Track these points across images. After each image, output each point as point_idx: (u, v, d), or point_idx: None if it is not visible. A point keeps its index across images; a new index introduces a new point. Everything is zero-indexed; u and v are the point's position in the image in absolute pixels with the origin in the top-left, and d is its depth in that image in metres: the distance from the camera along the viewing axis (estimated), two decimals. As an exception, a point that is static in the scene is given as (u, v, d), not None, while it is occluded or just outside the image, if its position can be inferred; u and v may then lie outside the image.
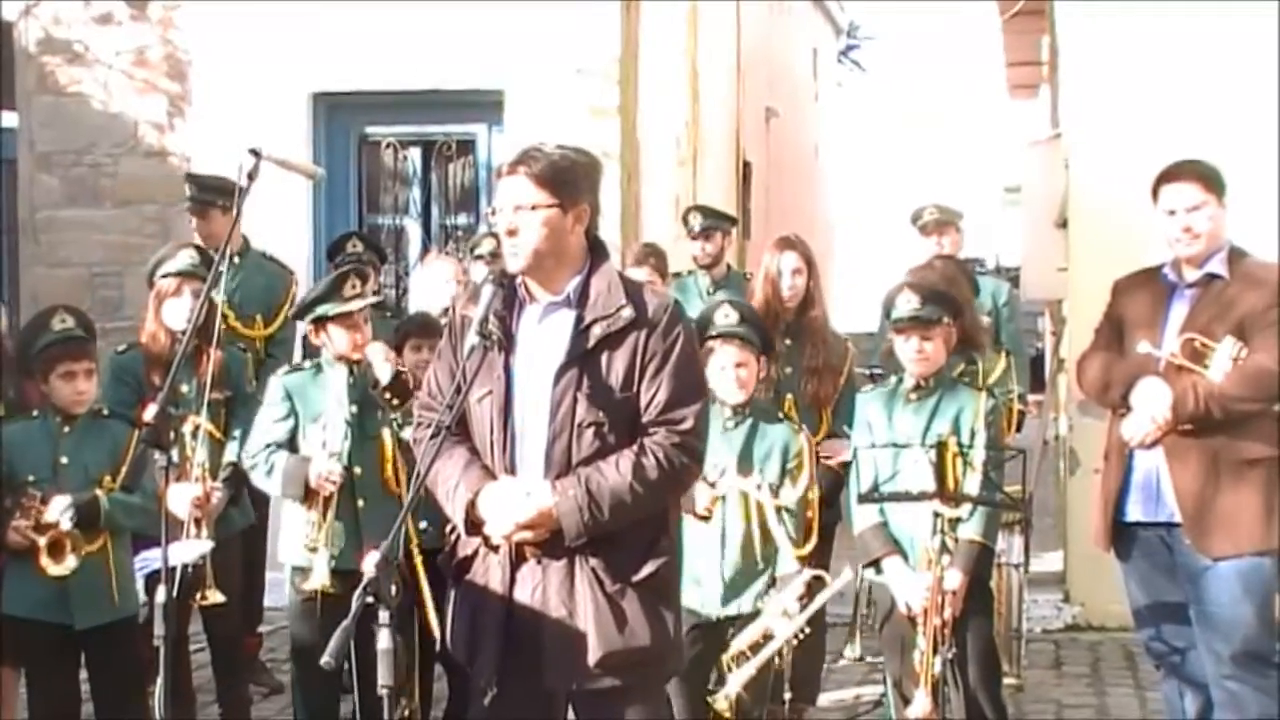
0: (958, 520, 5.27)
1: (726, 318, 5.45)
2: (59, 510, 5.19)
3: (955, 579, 5.23)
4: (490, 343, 3.93)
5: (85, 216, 9.48)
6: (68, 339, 5.47)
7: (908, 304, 5.48)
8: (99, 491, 5.30)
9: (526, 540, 3.92)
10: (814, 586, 5.29)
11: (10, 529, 5.20)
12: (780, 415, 5.62)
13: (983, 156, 29.83)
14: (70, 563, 5.18)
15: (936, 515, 5.17)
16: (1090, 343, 5.45)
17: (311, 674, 5.36)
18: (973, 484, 5.27)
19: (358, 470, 5.47)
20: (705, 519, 5.25)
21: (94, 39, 9.47)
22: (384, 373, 5.61)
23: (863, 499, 5.39)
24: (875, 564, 5.45)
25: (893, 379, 5.62)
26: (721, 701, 5.16)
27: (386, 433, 5.53)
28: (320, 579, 5.37)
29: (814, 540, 5.48)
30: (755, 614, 5.25)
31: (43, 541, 5.15)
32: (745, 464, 5.31)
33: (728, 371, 5.36)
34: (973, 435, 5.35)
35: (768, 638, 5.19)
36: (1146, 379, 5.11)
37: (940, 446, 5.22)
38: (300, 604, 5.50)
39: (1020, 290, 9.72)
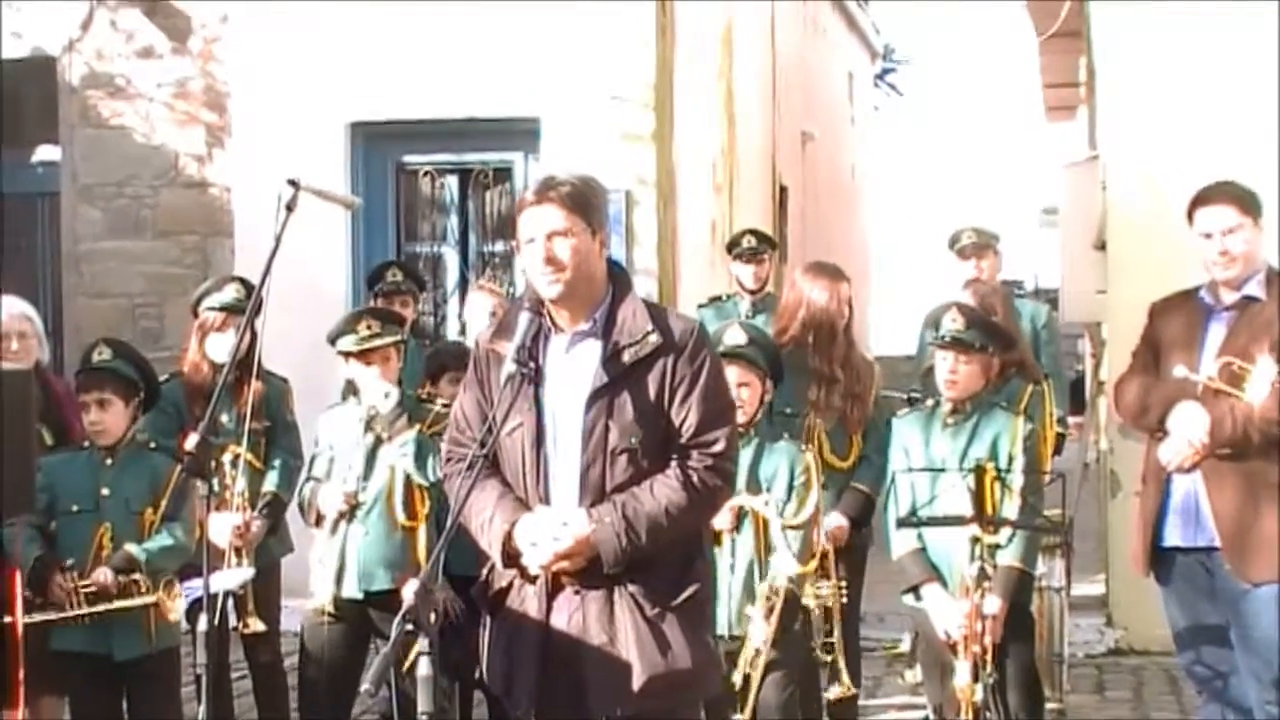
0: (996, 546, 5.25)
1: (735, 338, 5.43)
2: (100, 578, 5.28)
3: (994, 605, 5.20)
4: (528, 370, 3.94)
5: (126, 248, 9.59)
6: (82, 371, 5.59)
7: (951, 324, 5.47)
8: (130, 548, 5.34)
9: (565, 570, 3.93)
10: (783, 594, 5.23)
11: (55, 587, 5.26)
12: (785, 435, 5.59)
13: (1020, 178, 29.88)
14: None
15: (975, 541, 5.15)
16: (1128, 366, 5.43)
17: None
18: (1011, 509, 5.26)
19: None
20: (718, 540, 5.24)
21: (135, 72, 9.60)
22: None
23: (901, 523, 5.37)
24: (914, 590, 5.43)
25: (929, 402, 5.61)
26: None
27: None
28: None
29: (816, 560, 5.47)
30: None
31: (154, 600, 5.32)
32: (753, 484, 5.30)
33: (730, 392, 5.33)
34: (1010, 459, 5.33)
35: (756, 657, 5.17)
36: (1184, 403, 5.08)
37: (978, 471, 5.20)
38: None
39: (1059, 312, 9.68)
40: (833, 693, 5.83)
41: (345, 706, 5.72)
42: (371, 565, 5.53)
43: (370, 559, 5.53)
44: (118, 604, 5.28)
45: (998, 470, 5.27)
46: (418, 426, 5.55)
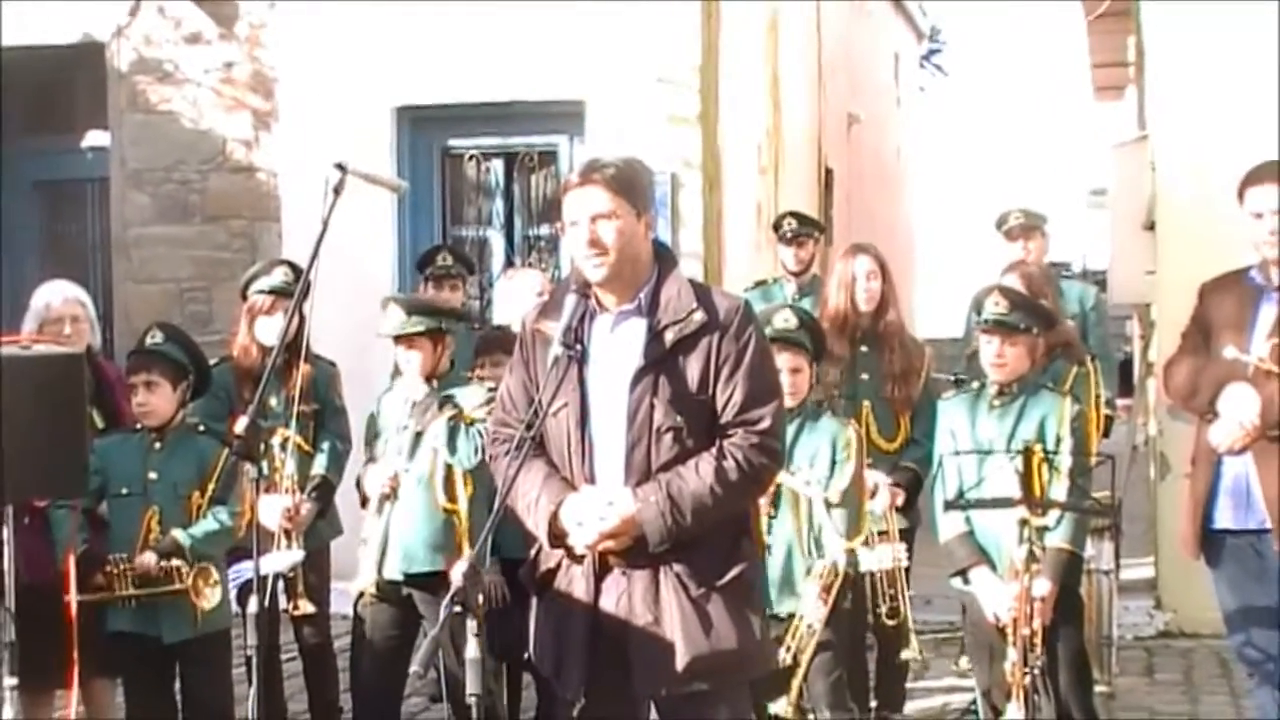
0: (1044, 528, 5.22)
1: (786, 321, 5.42)
2: (144, 561, 5.32)
3: (1044, 587, 5.18)
4: (574, 352, 3.95)
5: (174, 233, 9.66)
6: (131, 353, 5.64)
7: (994, 307, 5.45)
8: (177, 533, 5.38)
9: (610, 549, 3.94)
10: (841, 573, 5.23)
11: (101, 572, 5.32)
12: (829, 412, 5.59)
13: (1068, 159, 29.67)
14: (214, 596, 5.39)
15: (1023, 523, 5.13)
16: (1177, 347, 5.39)
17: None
18: (1059, 490, 5.24)
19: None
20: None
21: (183, 58, 9.65)
22: None
23: (948, 506, 5.36)
24: (962, 573, 5.41)
25: (975, 384, 5.59)
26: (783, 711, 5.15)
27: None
28: None
29: (864, 532, 5.46)
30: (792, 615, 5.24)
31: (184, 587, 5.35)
32: (791, 463, 5.29)
33: (782, 376, 5.33)
34: (1058, 441, 5.31)
35: (809, 635, 5.17)
36: (1234, 384, 5.04)
37: (1026, 453, 5.18)
38: None
39: (1108, 294, 9.62)
40: (904, 655, 5.83)
41: (396, 687, 5.75)
42: (413, 547, 5.56)
43: (412, 541, 5.56)
44: (155, 589, 5.32)
45: (1045, 452, 5.25)
46: (449, 412, 5.57)
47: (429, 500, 5.59)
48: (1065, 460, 5.27)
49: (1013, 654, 5.13)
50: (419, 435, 5.62)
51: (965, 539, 5.39)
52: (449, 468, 5.58)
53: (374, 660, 5.66)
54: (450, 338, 5.75)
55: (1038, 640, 5.14)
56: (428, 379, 5.64)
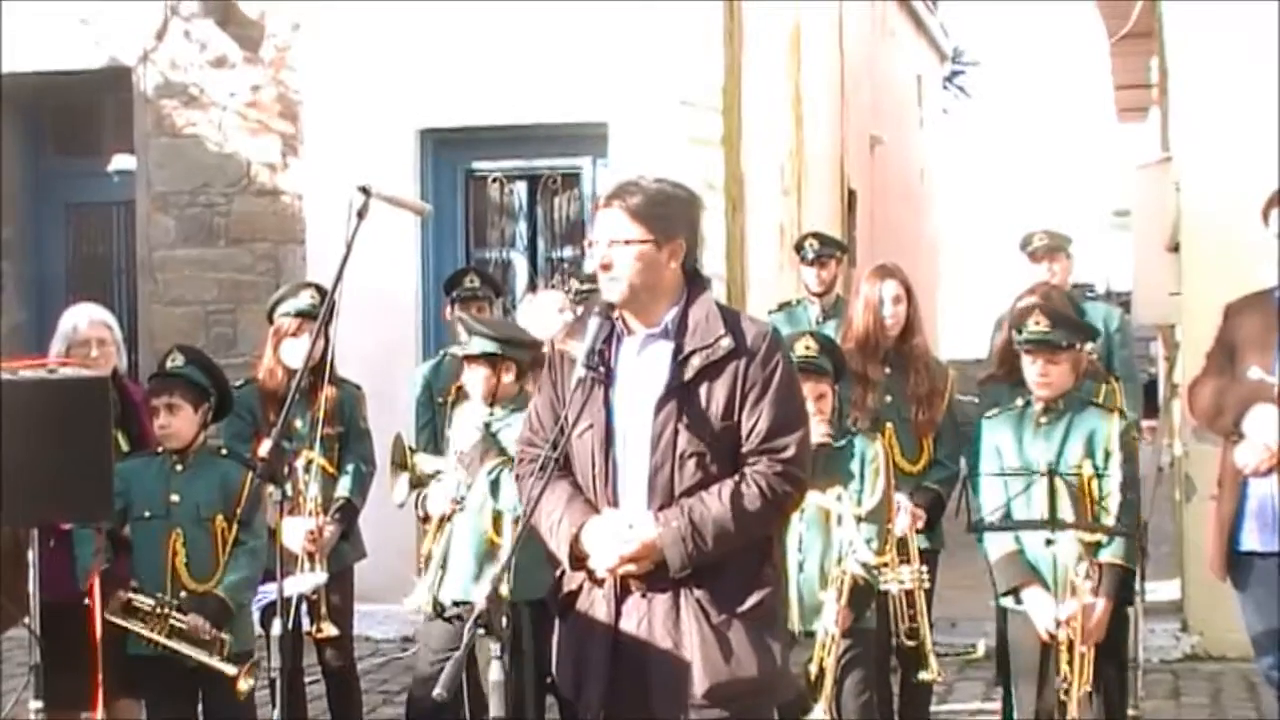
0: (1097, 545, 5.21)
1: (808, 349, 5.43)
2: (195, 621, 5.31)
3: (1100, 605, 5.18)
4: (598, 374, 3.95)
5: (200, 255, 9.69)
6: (152, 376, 5.67)
7: (1035, 326, 5.44)
8: (221, 593, 5.38)
9: (631, 573, 3.93)
10: (854, 579, 5.22)
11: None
12: (852, 429, 5.60)
13: (1091, 180, 29.62)
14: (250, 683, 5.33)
15: (1078, 540, 5.13)
16: (1201, 368, 5.37)
17: None
18: (1112, 505, 5.24)
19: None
20: None
21: (209, 82, 9.70)
22: None
23: (988, 528, 5.34)
24: (1013, 593, 5.38)
25: (1019, 402, 5.55)
26: None
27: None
28: None
29: (891, 548, 5.45)
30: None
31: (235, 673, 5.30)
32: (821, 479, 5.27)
33: (808, 404, 5.32)
34: (1107, 456, 5.29)
35: (831, 642, 5.16)
36: (1259, 406, 5.03)
37: (1051, 475, 5.18)
38: None
39: (1132, 315, 9.59)
40: (922, 676, 5.82)
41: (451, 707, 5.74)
42: (465, 572, 5.56)
43: (465, 569, 5.56)
44: (194, 651, 5.31)
45: (1095, 469, 5.24)
46: (491, 463, 5.55)
47: (480, 530, 5.58)
48: (1115, 475, 5.26)
49: (1066, 671, 5.12)
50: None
51: (1014, 558, 5.35)
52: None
53: (426, 680, 5.66)
54: (511, 363, 5.73)
55: (1090, 658, 5.13)
56: (490, 402, 5.63)
